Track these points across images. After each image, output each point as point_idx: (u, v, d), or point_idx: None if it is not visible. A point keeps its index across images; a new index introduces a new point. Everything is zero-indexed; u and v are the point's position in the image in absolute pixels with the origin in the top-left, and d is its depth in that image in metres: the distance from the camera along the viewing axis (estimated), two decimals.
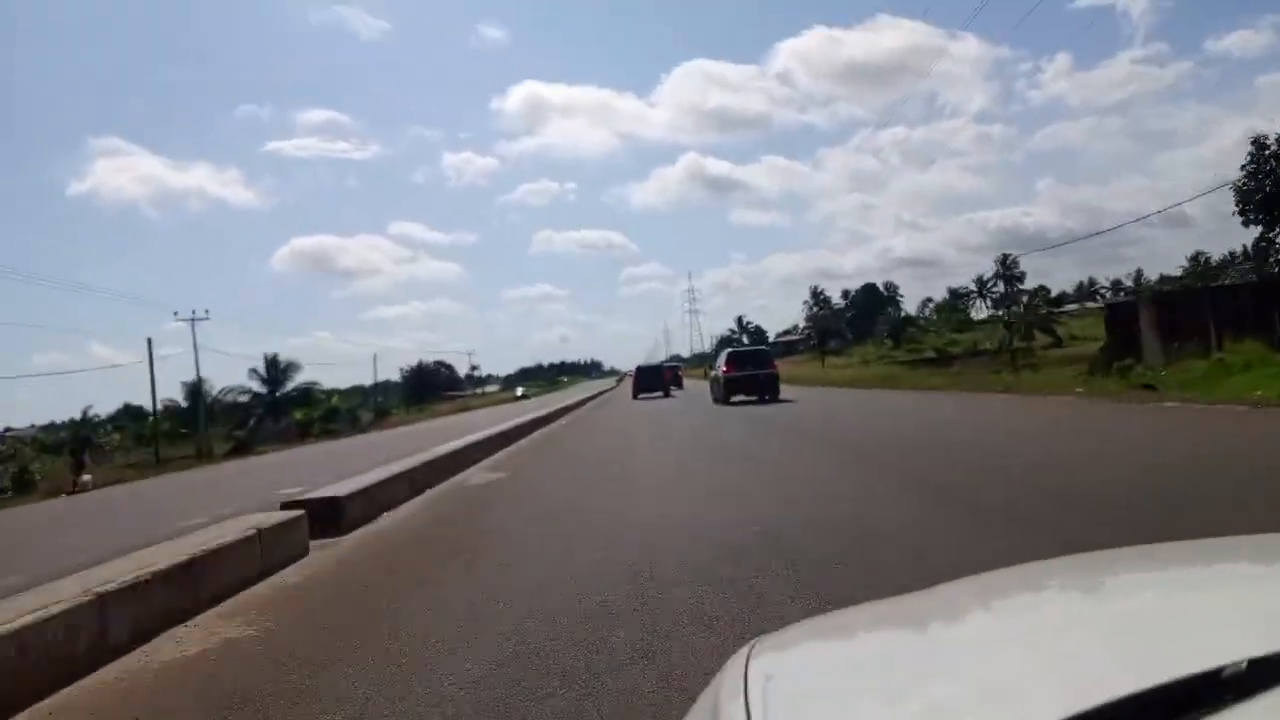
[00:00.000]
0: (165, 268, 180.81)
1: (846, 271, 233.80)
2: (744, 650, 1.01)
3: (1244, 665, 0.62)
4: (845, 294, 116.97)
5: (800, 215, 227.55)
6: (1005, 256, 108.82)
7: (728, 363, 25.92)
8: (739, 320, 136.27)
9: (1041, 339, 61.10)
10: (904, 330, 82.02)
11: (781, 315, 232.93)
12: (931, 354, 62.15)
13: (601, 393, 56.17)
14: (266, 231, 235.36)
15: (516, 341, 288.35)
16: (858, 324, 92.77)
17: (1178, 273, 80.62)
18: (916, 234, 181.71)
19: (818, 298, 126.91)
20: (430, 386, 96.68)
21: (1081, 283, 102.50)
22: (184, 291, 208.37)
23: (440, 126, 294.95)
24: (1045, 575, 1.24)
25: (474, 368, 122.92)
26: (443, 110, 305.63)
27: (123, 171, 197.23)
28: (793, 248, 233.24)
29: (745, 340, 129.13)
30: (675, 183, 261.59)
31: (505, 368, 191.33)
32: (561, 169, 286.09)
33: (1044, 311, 66.45)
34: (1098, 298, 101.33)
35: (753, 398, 24.65)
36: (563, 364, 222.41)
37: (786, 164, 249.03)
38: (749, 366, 25.47)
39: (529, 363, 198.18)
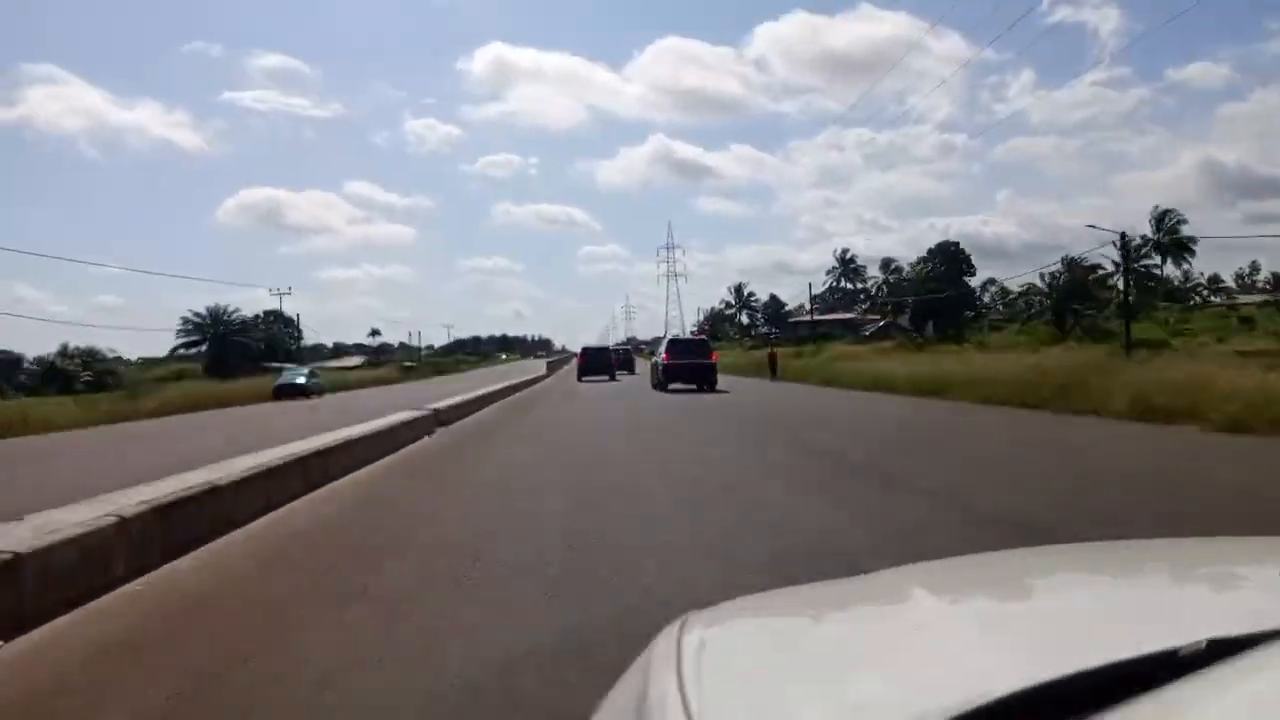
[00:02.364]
0: (103, 210, 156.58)
1: (805, 267, 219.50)
2: (675, 623, 1.02)
3: (1203, 644, 0.61)
4: (886, 264, 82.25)
5: (765, 207, 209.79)
6: (1163, 215, 74.07)
7: (668, 351, 26.17)
8: (738, 290, 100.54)
9: None
10: (1067, 311, 46.10)
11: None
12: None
13: (514, 388, 27.78)
14: (214, 179, 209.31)
15: (473, 313, 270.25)
16: (939, 305, 56.48)
17: None
18: (877, 234, 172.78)
19: (847, 265, 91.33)
20: (245, 354, 59.01)
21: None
22: (123, 237, 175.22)
23: (403, 86, 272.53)
24: (986, 566, 1.25)
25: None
26: (405, 66, 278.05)
27: (58, 101, 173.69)
28: (753, 240, 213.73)
29: (744, 318, 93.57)
30: (642, 163, 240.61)
31: (444, 338, 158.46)
32: (526, 139, 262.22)
33: None
34: None
35: (691, 386, 24.43)
36: (505, 338, 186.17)
37: (755, 154, 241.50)
38: (689, 355, 25.66)
39: (465, 334, 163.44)
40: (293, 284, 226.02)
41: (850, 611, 1.08)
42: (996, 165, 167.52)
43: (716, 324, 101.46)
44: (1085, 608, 1.00)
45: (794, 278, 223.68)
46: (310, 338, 77.37)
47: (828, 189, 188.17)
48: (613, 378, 35.18)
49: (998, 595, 1.09)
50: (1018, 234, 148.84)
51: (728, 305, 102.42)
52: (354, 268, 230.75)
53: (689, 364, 24.84)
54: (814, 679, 0.84)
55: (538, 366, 56.83)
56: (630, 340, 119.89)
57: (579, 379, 34.76)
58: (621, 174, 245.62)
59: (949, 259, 70.87)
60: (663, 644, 0.95)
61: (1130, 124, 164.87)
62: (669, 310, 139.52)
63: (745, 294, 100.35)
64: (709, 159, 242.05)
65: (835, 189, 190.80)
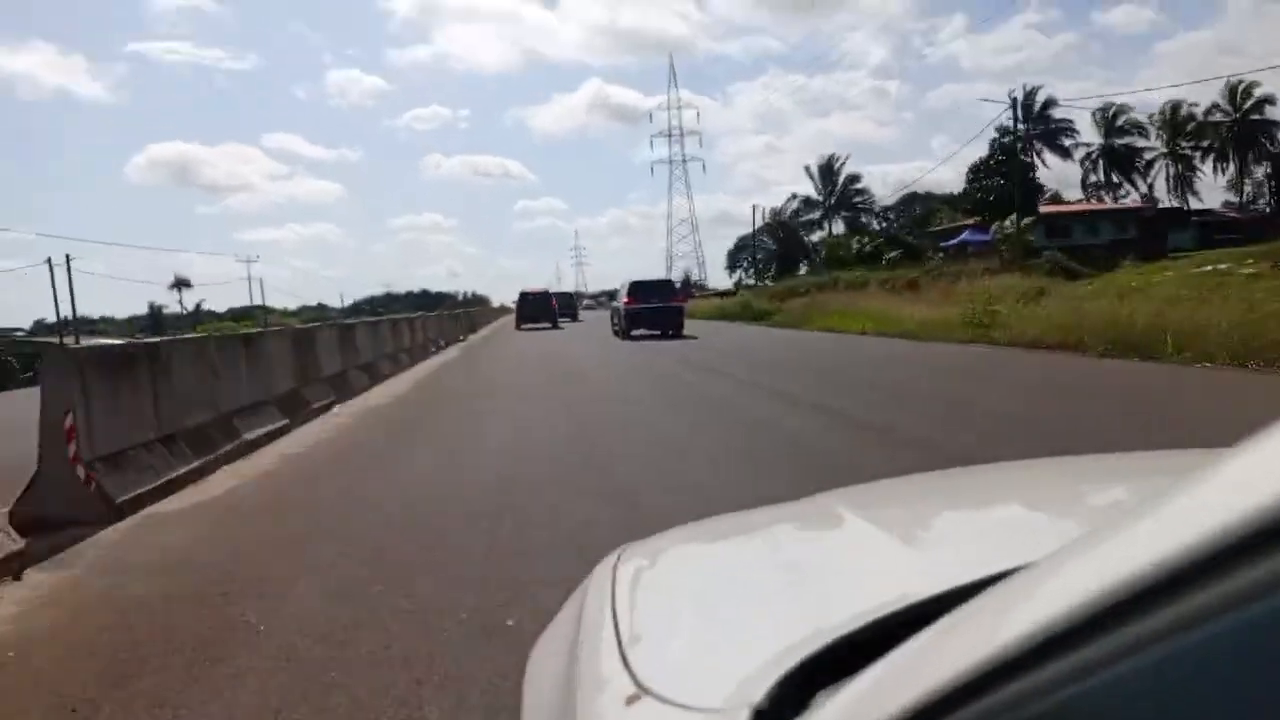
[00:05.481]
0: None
1: (747, 218, 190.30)
2: (612, 555, 1.05)
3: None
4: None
5: (705, 154, 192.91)
6: None
7: (630, 294, 23.47)
8: (828, 169, 64.80)
9: None
10: None
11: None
12: None
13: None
14: (120, 133, 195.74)
15: (406, 272, 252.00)
16: None
17: None
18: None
19: (1044, 112, 58.41)
20: None
21: None
22: (21, 196, 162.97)
23: (323, 28, 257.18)
24: (901, 488, 1.35)
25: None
26: (324, 5, 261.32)
27: None
28: (696, 190, 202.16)
29: (840, 223, 61.31)
30: (579, 109, 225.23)
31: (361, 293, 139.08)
32: (456, 86, 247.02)
33: None
34: None
35: (655, 332, 22.61)
36: (425, 294, 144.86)
37: (695, 98, 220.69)
38: (653, 298, 22.97)
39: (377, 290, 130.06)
40: (215, 246, 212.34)
41: (774, 537, 1.12)
42: (928, 111, 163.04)
43: (785, 236, 66.01)
44: (981, 526, 1.07)
45: (734, 228, 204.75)
46: None
47: (768, 134, 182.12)
48: (554, 324, 33.75)
49: (893, 519, 1.14)
50: (956, 180, 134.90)
51: (805, 202, 64.49)
52: (279, 227, 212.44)
53: (653, 308, 22.56)
54: (738, 601, 0.87)
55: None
56: (578, 293, 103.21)
57: (518, 326, 33.39)
58: (557, 122, 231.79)
59: None
60: (600, 574, 0.99)
61: (1058, 69, 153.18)
62: (672, 198, 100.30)
63: (842, 176, 57.05)
64: (648, 104, 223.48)
65: (775, 134, 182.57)
